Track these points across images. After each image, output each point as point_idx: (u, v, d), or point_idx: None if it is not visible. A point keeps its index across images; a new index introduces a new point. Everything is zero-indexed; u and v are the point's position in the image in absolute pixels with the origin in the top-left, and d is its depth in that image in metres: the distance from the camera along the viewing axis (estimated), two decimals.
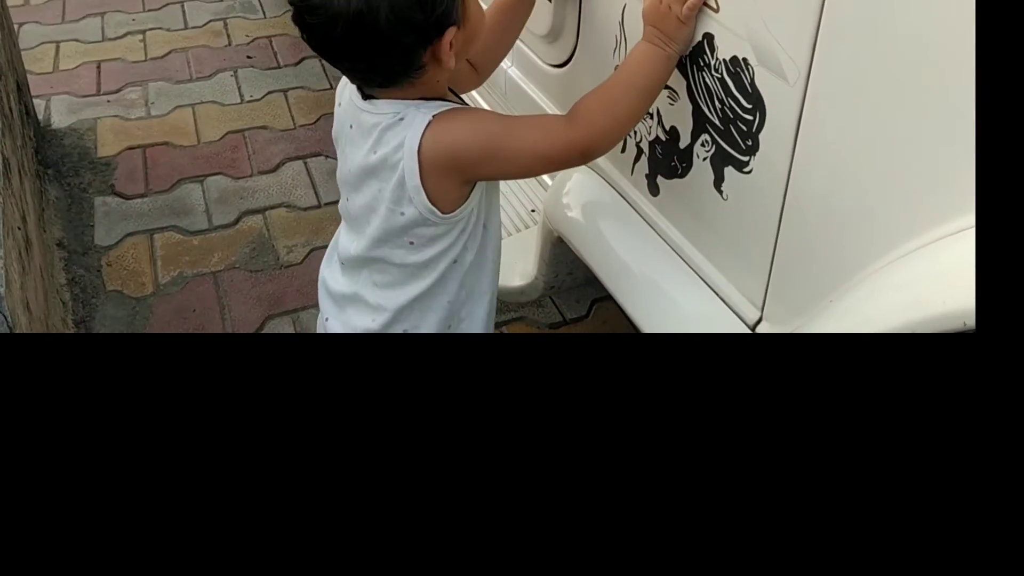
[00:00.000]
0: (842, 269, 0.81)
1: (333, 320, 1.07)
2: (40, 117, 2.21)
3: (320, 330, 1.12)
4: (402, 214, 0.94)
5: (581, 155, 0.96)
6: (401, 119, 0.91)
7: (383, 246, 0.98)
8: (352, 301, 1.04)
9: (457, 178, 0.93)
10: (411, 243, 0.97)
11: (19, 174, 1.49)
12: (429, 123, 0.90)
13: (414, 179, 0.91)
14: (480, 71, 1.11)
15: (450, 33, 0.88)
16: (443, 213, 0.93)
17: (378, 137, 0.93)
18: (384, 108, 0.92)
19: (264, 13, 2.80)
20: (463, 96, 1.10)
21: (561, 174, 1.22)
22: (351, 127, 0.97)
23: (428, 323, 1.01)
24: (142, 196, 2.00)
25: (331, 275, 1.09)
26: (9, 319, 1.05)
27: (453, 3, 0.87)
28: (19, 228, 1.32)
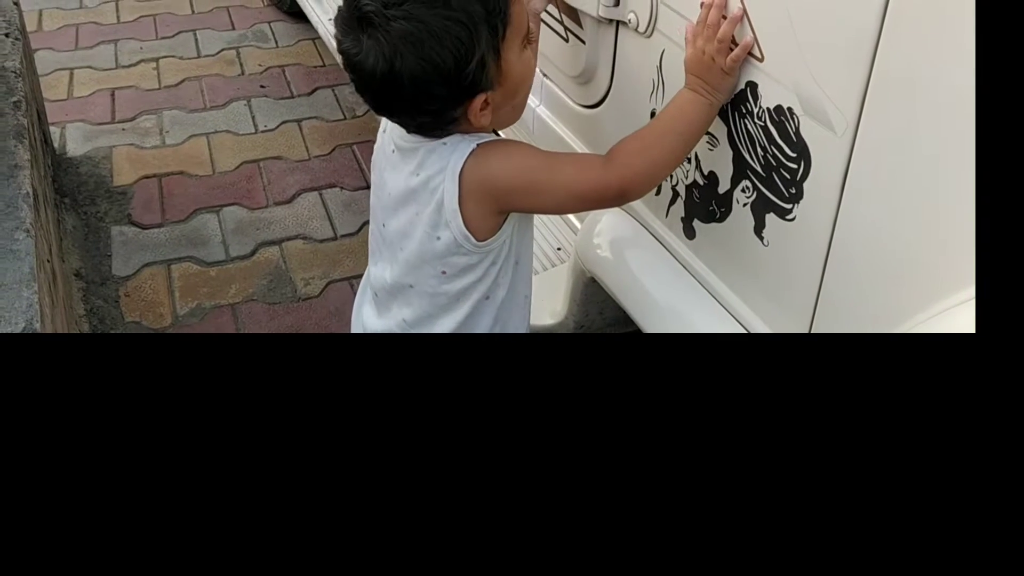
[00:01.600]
0: (885, 321, 0.82)
1: None
2: (56, 144, 2.22)
3: None
4: (438, 239, 0.95)
5: (617, 196, 0.97)
6: (444, 144, 0.93)
7: (415, 272, 0.99)
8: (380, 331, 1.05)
9: (492, 206, 0.95)
10: (443, 272, 0.97)
11: (44, 205, 1.50)
12: (473, 150, 0.92)
13: (453, 202, 0.92)
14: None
15: (480, 98, 0.90)
16: (477, 240, 0.94)
17: (421, 160, 0.95)
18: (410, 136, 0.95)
19: (277, 43, 2.83)
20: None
21: (592, 214, 1.23)
22: (393, 151, 0.98)
23: None
24: (159, 226, 2.00)
25: (366, 312, 1.09)
26: None
27: (483, 71, 0.88)
28: (48, 261, 1.32)
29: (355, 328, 1.12)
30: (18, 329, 1.04)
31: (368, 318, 1.08)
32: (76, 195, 2.08)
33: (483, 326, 1.01)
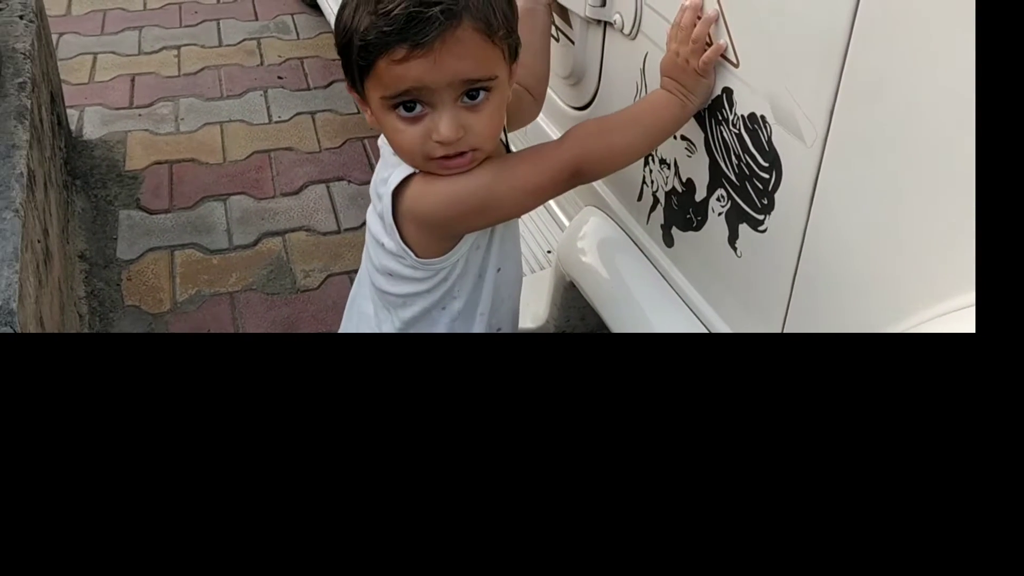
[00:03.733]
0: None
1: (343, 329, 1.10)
2: (72, 127, 2.24)
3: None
4: (382, 244, 0.94)
5: (571, 177, 0.91)
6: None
7: (371, 265, 0.99)
8: (363, 317, 1.05)
9: (435, 234, 0.92)
10: (389, 274, 0.96)
11: (44, 186, 1.51)
12: (410, 175, 0.89)
13: (389, 217, 0.92)
14: (535, 95, 1.07)
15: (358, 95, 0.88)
16: (418, 257, 0.92)
17: (383, 155, 0.94)
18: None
19: (298, 34, 2.84)
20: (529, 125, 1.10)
21: (577, 218, 1.22)
22: None
23: None
24: (166, 212, 2.02)
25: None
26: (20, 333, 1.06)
27: (353, 73, 0.86)
28: (39, 241, 1.33)
29: (348, 311, 1.11)
30: None
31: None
32: (88, 178, 2.10)
33: (437, 331, 0.99)
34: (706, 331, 1.01)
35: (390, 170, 0.92)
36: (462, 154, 0.86)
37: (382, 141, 0.95)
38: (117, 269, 1.83)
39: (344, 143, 2.30)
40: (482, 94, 0.84)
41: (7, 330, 1.05)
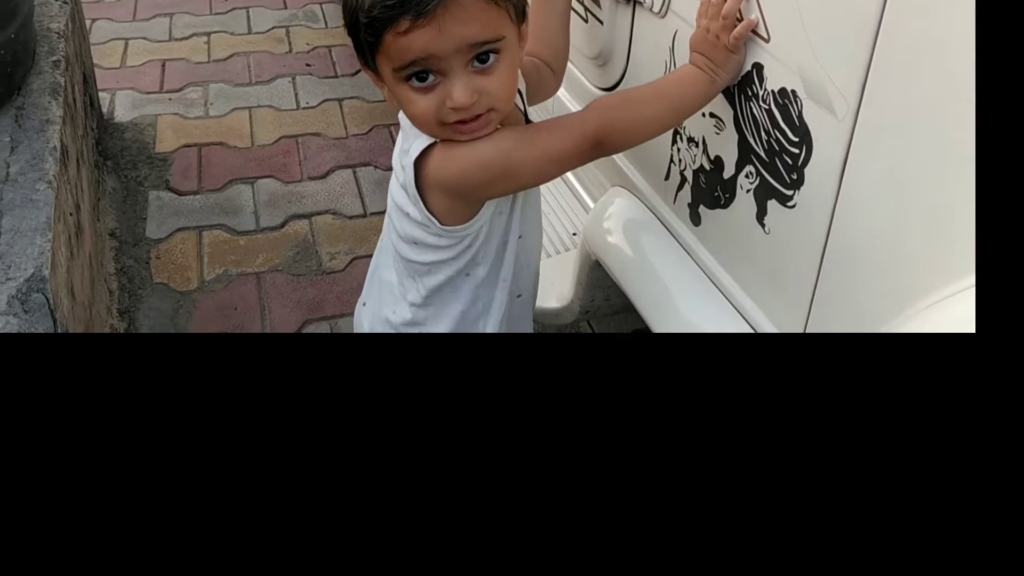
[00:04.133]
0: (881, 311, 0.79)
1: (366, 303, 1.10)
2: (104, 110, 2.27)
3: (357, 314, 1.14)
4: (407, 214, 0.95)
5: (593, 145, 0.91)
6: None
7: (396, 234, 0.99)
8: (385, 285, 1.05)
9: (459, 201, 0.93)
10: (415, 243, 0.97)
11: (77, 162, 1.53)
12: (431, 146, 0.90)
13: (412, 187, 0.92)
14: (555, 69, 1.07)
15: (372, 72, 0.89)
16: (443, 225, 0.93)
17: (403, 137, 0.95)
18: None
19: (326, 23, 2.86)
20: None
21: (603, 198, 1.22)
22: None
23: (440, 330, 1.01)
24: (195, 193, 2.04)
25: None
26: (51, 301, 1.07)
27: (363, 50, 0.86)
28: (71, 215, 1.35)
29: (369, 281, 1.12)
30: (27, 274, 1.06)
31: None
32: (119, 159, 2.13)
33: (463, 299, 1.00)
34: (731, 308, 1.00)
35: (411, 141, 0.92)
36: (477, 117, 0.86)
37: (402, 115, 0.96)
38: (146, 247, 1.86)
39: (371, 129, 2.31)
40: (492, 57, 0.84)
41: (39, 297, 1.06)
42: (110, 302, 1.62)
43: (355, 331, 1.15)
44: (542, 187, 1.06)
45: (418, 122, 0.89)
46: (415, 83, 0.85)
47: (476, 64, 0.84)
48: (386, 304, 1.05)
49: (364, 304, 1.11)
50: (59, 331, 1.10)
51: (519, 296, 1.04)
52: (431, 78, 0.84)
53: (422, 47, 0.82)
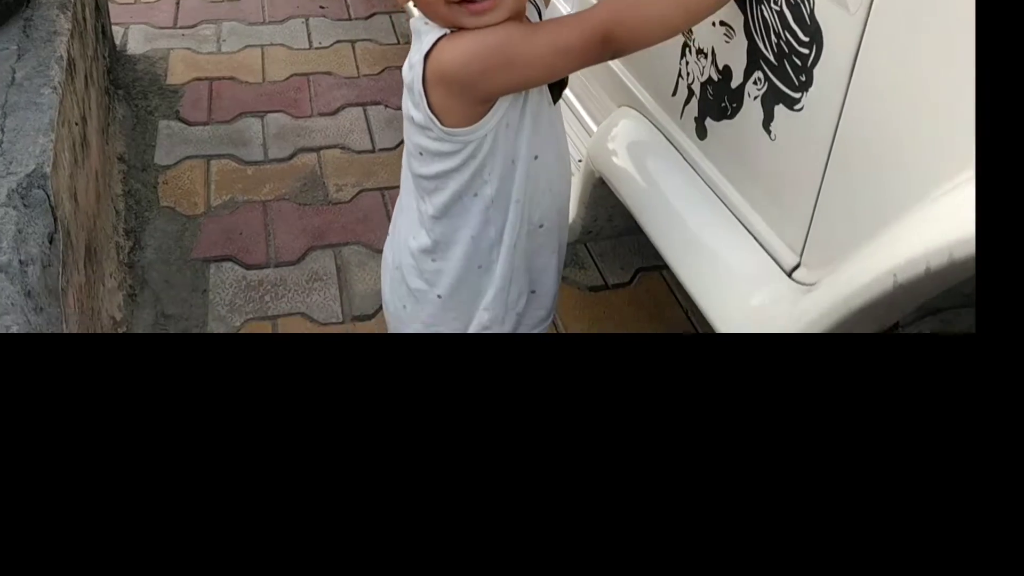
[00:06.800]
0: (884, 213, 0.78)
1: (391, 234, 1.10)
2: (117, 43, 2.27)
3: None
4: (413, 118, 0.94)
5: (601, 40, 0.88)
6: (427, 23, 0.91)
7: (407, 152, 0.99)
8: (405, 211, 1.05)
9: (466, 96, 0.91)
10: (420, 153, 0.96)
11: (85, 80, 1.53)
12: (442, 36, 0.89)
13: (419, 83, 0.91)
14: None
15: None
16: (444, 126, 0.92)
17: (415, 40, 0.94)
18: (416, 11, 0.93)
19: None
20: None
21: (609, 118, 1.20)
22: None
23: (454, 257, 1.00)
24: (204, 124, 2.03)
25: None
26: (52, 198, 1.07)
27: None
28: (76, 124, 1.35)
29: (395, 212, 1.11)
30: (28, 170, 1.06)
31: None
32: (130, 89, 2.12)
33: (472, 224, 0.98)
34: (734, 220, 0.99)
35: (421, 40, 0.91)
36: None
37: (413, 21, 0.94)
38: (154, 173, 1.85)
39: (383, 71, 2.30)
40: None
41: (40, 193, 1.06)
42: (116, 221, 1.63)
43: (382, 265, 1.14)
44: None
45: (427, 7, 0.88)
46: None
47: None
48: (409, 230, 1.03)
49: (389, 235, 1.10)
50: (60, 230, 1.10)
51: (541, 226, 1.02)
52: None
53: None
